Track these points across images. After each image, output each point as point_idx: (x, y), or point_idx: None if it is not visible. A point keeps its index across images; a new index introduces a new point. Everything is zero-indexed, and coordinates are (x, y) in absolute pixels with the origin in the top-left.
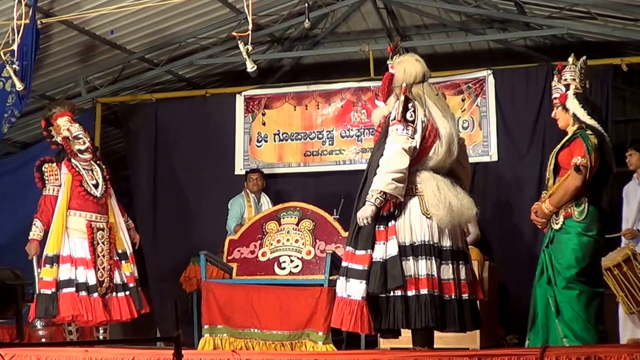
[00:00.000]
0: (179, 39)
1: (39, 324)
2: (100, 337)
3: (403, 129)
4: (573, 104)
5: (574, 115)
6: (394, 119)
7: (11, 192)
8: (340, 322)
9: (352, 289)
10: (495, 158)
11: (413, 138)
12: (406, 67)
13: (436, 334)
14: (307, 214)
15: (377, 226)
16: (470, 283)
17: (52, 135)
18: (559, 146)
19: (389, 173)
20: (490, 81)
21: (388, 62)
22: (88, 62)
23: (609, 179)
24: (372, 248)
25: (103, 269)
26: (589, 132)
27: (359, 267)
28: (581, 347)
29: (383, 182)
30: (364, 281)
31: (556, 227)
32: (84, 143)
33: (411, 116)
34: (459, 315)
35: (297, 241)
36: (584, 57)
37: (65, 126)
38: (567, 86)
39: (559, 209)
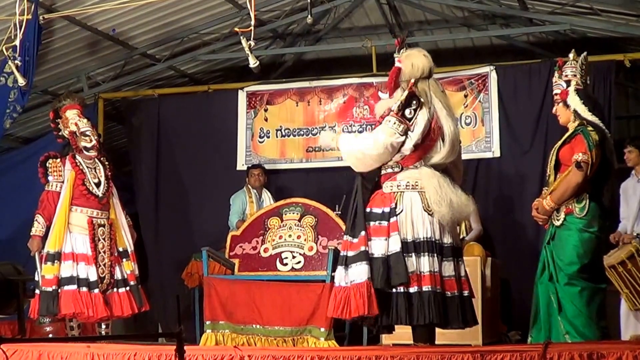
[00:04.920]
0: (181, 35)
1: (44, 320)
2: (102, 332)
3: (394, 123)
4: (574, 101)
5: (575, 112)
6: (392, 110)
7: (13, 187)
8: (345, 310)
9: (356, 273)
10: (497, 154)
11: (402, 135)
12: (414, 61)
13: (438, 330)
14: (309, 209)
15: (379, 222)
16: (468, 279)
17: (59, 128)
18: (559, 142)
19: (358, 149)
20: (493, 77)
21: (395, 55)
22: (90, 58)
23: (610, 176)
24: (366, 230)
25: (104, 265)
26: (590, 128)
27: (357, 250)
28: (583, 343)
29: (349, 146)
30: (365, 262)
31: (557, 223)
32: (91, 141)
33: (410, 113)
34: (462, 312)
35: (299, 237)
36: (585, 53)
37: (73, 120)
38: (568, 82)
39: (560, 206)
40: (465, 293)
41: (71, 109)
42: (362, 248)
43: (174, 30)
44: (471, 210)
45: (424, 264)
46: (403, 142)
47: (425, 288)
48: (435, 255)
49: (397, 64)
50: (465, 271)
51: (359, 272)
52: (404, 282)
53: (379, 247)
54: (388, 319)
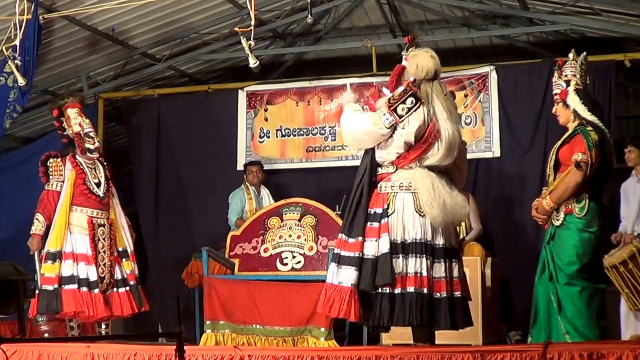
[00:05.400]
0: (181, 34)
1: (41, 319)
2: (102, 332)
3: (384, 114)
4: (574, 100)
5: (575, 112)
6: (387, 102)
7: (13, 187)
8: (329, 308)
9: (344, 276)
10: (497, 154)
11: (387, 128)
12: (419, 61)
13: (438, 330)
14: (310, 209)
15: (370, 223)
16: (462, 280)
17: (63, 127)
18: (559, 142)
19: (347, 124)
20: (493, 77)
21: (403, 53)
22: (90, 58)
23: (610, 175)
24: (363, 235)
25: (104, 265)
26: (589, 128)
27: (351, 254)
28: (583, 343)
29: (343, 121)
30: (354, 268)
31: (557, 223)
32: (94, 142)
33: (402, 110)
34: (450, 313)
35: (299, 237)
36: (585, 53)
37: (76, 120)
38: (568, 82)
39: (559, 206)
40: (457, 294)
41: (73, 107)
42: (356, 253)
43: (174, 30)
44: (466, 213)
45: (410, 265)
46: (390, 136)
47: (409, 289)
48: (425, 256)
49: (403, 62)
50: (462, 272)
51: (347, 276)
52: (388, 283)
53: (370, 248)
54: (373, 319)
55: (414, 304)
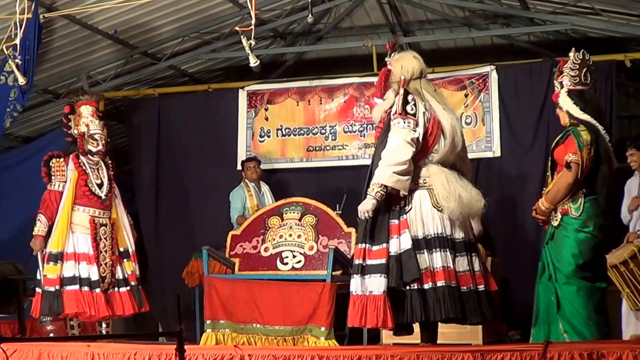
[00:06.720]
0: (181, 34)
1: (45, 319)
2: (103, 331)
3: (404, 122)
4: (565, 102)
5: (568, 113)
6: (395, 112)
7: (13, 187)
8: (362, 319)
9: (374, 285)
10: (498, 154)
11: (415, 130)
12: (403, 63)
13: (438, 329)
14: (310, 209)
15: (390, 221)
16: (483, 274)
17: (69, 125)
18: (554, 143)
19: (390, 166)
20: (494, 77)
21: (386, 59)
22: (91, 57)
23: (607, 174)
24: (388, 241)
25: (105, 264)
26: (581, 128)
27: (378, 261)
28: (584, 342)
29: (384, 175)
30: (385, 275)
31: (555, 224)
32: (97, 145)
33: (412, 109)
34: (479, 306)
35: (299, 236)
36: (582, 51)
37: (86, 119)
38: (562, 84)
39: (555, 206)
40: (481, 288)
41: (86, 105)
42: (383, 260)
43: (175, 29)
44: (482, 205)
45: (437, 259)
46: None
47: (439, 283)
48: (448, 250)
49: (387, 67)
50: (482, 266)
51: (377, 284)
52: (417, 279)
53: (391, 246)
54: (404, 317)
55: (448, 298)
